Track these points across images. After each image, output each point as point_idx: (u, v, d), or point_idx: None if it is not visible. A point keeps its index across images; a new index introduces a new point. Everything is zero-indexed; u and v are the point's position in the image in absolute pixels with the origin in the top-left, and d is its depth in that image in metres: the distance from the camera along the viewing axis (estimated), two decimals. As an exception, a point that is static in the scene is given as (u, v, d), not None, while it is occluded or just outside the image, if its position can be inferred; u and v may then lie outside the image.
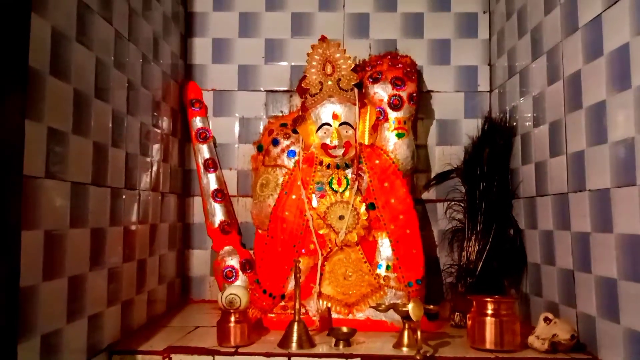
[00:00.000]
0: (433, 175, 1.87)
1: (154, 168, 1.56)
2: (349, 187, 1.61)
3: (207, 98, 1.89)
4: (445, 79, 1.89)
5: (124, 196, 1.33)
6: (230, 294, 1.28)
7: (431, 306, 1.36)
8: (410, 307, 1.25)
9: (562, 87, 1.35)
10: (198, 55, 1.91)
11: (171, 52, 1.74)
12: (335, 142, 1.61)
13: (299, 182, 1.62)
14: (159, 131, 1.61)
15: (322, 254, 1.57)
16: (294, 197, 1.62)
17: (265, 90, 1.90)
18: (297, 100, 1.87)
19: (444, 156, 1.86)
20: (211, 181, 1.80)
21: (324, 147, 1.62)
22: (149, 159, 1.52)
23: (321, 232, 1.58)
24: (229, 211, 1.80)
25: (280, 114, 1.89)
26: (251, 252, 1.75)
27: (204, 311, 1.71)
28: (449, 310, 1.64)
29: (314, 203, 1.61)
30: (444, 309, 1.67)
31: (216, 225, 1.77)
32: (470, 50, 1.89)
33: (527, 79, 1.57)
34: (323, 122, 1.63)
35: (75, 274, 1.09)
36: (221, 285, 1.72)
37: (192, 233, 1.88)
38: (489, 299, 1.29)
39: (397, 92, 1.66)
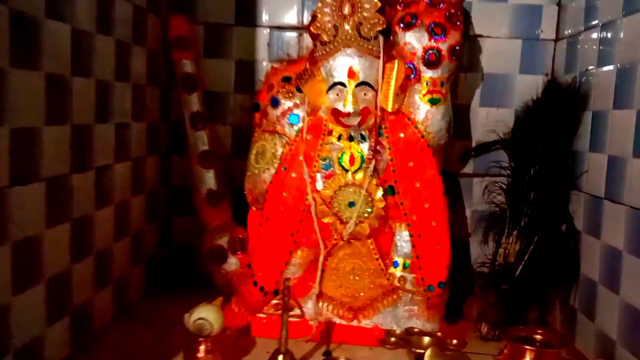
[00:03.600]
0: (473, 144, 1.51)
1: (121, 132, 1.26)
2: (363, 166, 1.28)
3: (198, 34, 1.53)
4: (499, 21, 1.47)
5: (72, 183, 1.04)
6: (199, 318, 1.02)
7: (454, 341, 1.09)
8: (427, 356, 0.97)
9: (668, 64, 0.96)
10: (185, -22, 1.52)
11: (147, -24, 1.36)
12: (350, 109, 1.25)
13: (301, 157, 1.30)
14: (129, 85, 1.29)
15: (324, 248, 1.29)
16: (294, 175, 1.31)
17: (269, 26, 1.52)
18: (308, 41, 1.48)
19: (488, 121, 1.49)
20: (199, 141, 1.48)
21: (336, 113, 1.27)
22: (110, 125, 1.21)
23: (325, 220, 1.28)
24: (220, 178, 1.50)
25: (287, 58, 1.53)
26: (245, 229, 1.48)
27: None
28: (476, 315, 1.36)
29: (319, 184, 1.29)
30: (470, 310, 1.40)
31: (204, 194, 1.48)
32: (535, -17, 1.45)
33: (614, 36, 1.16)
34: (336, 80, 1.26)
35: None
36: (210, 267, 1.47)
37: (182, 197, 1.60)
38: (528, 348, 1.00)
39: (434, 45, 1.26)
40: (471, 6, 1.46)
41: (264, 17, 1.52)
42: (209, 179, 1.48)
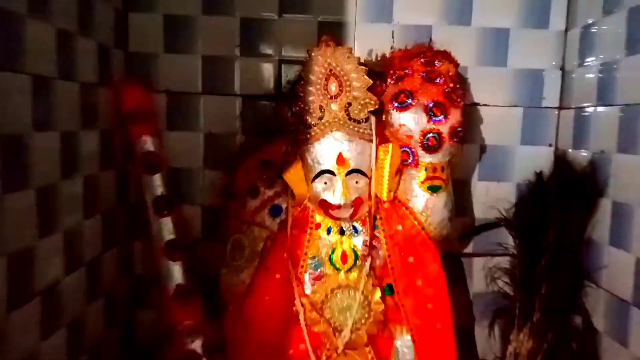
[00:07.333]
0: (474, 221, 1.37)
1: (70, 236, 1.06)
2: (357, 263, 1.12)
3: (159, 104, 1.33)
4: (497, 87, 1.33)
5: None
6: None
7: None
8: None
9: None
10: (143, 40, 1.32)
11: (98, 43, 1.16)
12: (341, 200, 1.09)
13: (285, 255, 1.13)
14: (79, 179, 1.09)
15: (316, 360, 1.12)
16: (277, 276, 1.14)
17: (241, 95, 1.34)
18: (286, 110, 1.32)
19: (489, 197, 1.35)
20: (164, 229, 1.28)
21: (324, 205, 1.11)
22: (58, 235, 1.01)
23: (316, 329, 1.12)
24: (190, 269, 1.31)
25: (262, 127, 1.35)
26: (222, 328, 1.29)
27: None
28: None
29: (307, 287, 1.13)
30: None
31: (171, 290, 1.29)
32: (536, 47, 1.32)
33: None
34: (323, 168, 1.10)
35: None
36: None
37: (145, 289, 1.40)
38: None
39: (434, 127, 1.12)
40: (467, 71, 1.31)
41: (236, 85, 1.34)
42: (177, 272, 1.29)
